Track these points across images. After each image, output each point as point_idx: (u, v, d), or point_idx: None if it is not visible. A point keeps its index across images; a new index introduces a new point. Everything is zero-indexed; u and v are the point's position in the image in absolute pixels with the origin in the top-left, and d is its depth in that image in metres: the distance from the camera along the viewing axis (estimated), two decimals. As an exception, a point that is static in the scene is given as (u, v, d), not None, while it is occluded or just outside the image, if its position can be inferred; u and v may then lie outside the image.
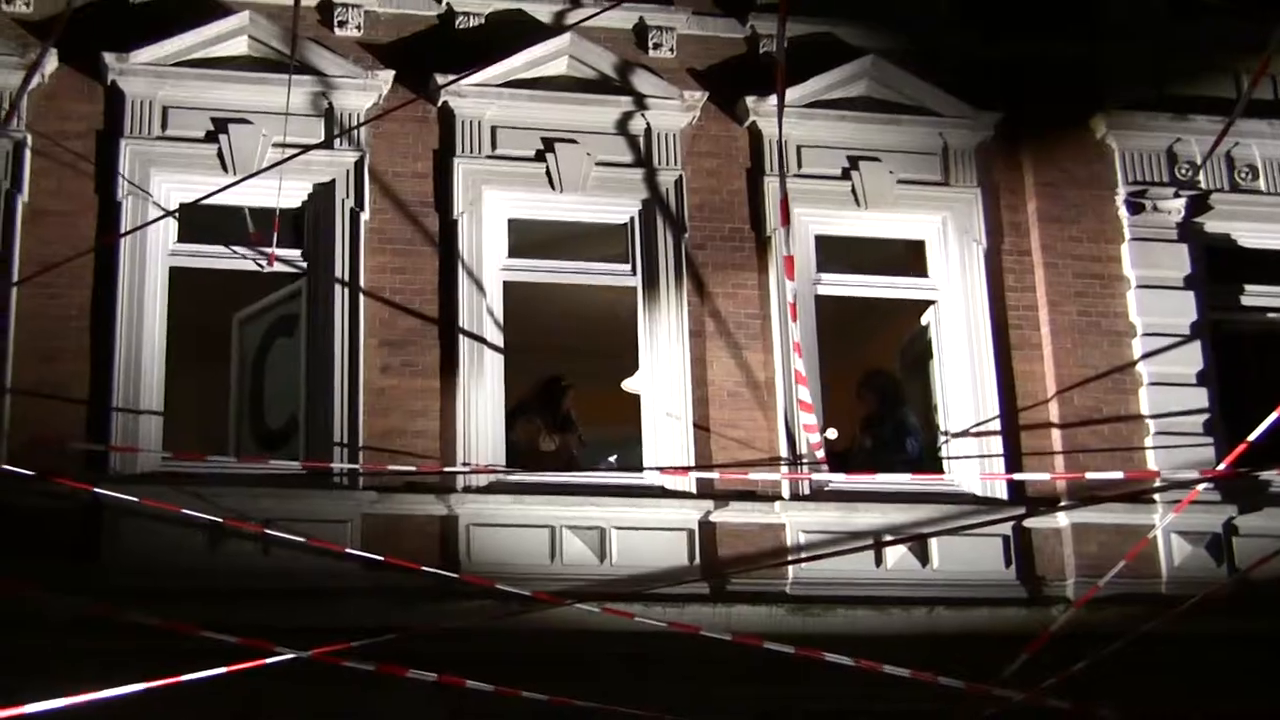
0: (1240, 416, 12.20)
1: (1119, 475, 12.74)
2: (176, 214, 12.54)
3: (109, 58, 12.74)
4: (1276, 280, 14.35)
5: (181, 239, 12.86)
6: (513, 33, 13.53)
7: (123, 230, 12.40)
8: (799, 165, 13.70)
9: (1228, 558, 13.12)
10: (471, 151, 13.31)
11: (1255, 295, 14.34)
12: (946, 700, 11.35)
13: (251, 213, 12.81)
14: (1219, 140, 13.64)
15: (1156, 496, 12.95)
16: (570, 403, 13.66)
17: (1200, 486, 12.70)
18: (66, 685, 9.49)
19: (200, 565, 11.68)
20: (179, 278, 12.77)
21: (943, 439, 13.46)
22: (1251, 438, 10.83)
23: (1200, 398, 13.51)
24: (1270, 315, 14.36)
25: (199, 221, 12.73)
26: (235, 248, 12.85)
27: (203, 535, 11.67)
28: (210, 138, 12.92)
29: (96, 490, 11.40)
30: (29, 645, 10.81)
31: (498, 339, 12.95)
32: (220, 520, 11.49)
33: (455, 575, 11.61)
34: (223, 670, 9.62)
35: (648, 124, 13.63)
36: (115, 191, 12.62)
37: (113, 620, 10.45)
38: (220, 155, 12.87)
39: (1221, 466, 12.41)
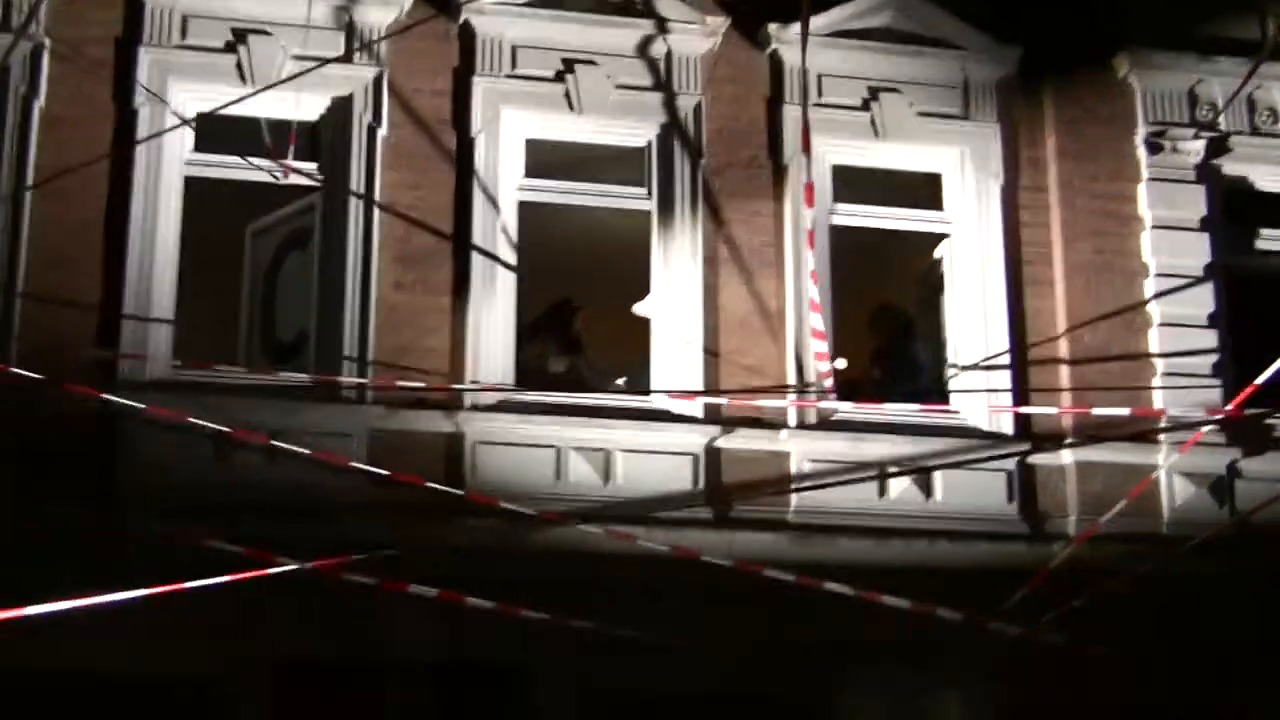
0: (1250, 359, 12.16)
1: (1125, 413, 12.74)
2: (193, 123, 12.51)
3: (129, -36, 12.72)
4: (1293, 225, 14.36)
5: (198, 148, 12.84)
6: (535, -48, 13.49)
7: (139, 138, 12.39)
8: (819, 94, 13.61)
9: (1230, 500, 13.17)
10: (491, 70, 13.29)
11: (1270, 239, 14.31)
12: (945, 632, 11.42)
13: (269, 125, 12.77)
14: (1244, 84, 13.60)
15: (1162, 437, 13.01)
16: (581, 324, 13.72)
17: (1205, 428, 12.68)
18: (70, 589, 9.55)
19: (206, 475, 11.69)
20: (194, 187, 12.75)
21: (951, 372, 13.47)
22: (1259, 380, 10.80)
23: (1210, 339, 13.53)
24: (1285, 259, 14.37)
25: (216, 132, 12.69)
26: (251, 159, 12.84)
27: (209, 445, 11.68)
28: (229, 48, 12.87)
29: (105, 396, 11.36)
30: (34, 548, 10.84)
31: (511, 259, 12.95)
32: (227, 430, 11.49)
33: (460, 493, 11.65)
34: (225, 579, 9.70)
35: (669, 48, 13.57)
36: (132, 99, 12.59)
37: (117, 527, 10.53)
38: (239, 66, 12.83)
39: (1228, 408, 12.41)
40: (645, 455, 12.60)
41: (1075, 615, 11.27)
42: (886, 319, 14.12)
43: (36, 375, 10.94)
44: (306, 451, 11.48)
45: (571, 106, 13.34)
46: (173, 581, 9.55)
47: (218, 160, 12.88)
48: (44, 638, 9.59)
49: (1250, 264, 14.19)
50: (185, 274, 12.56)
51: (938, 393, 13.50)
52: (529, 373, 12.98)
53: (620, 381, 13.81)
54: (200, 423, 11.36)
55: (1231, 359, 13.45)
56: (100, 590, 9.39)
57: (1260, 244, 14.29)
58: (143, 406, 11.34)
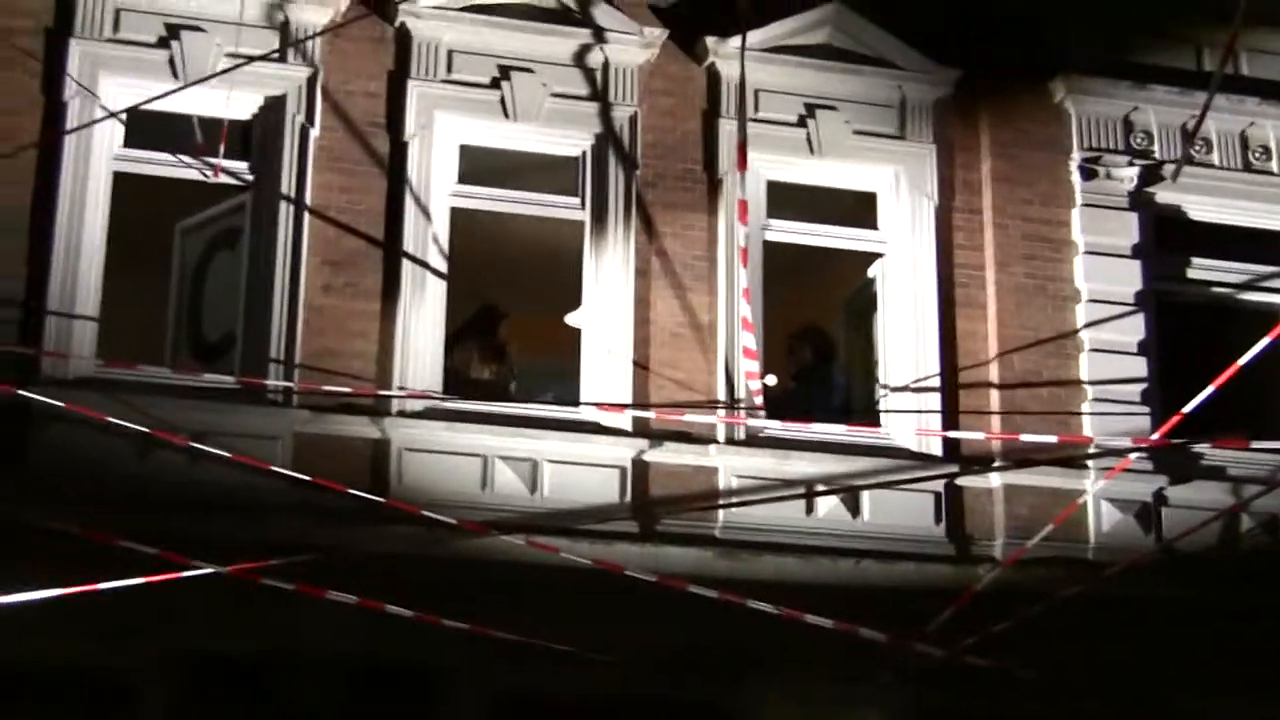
0: (1178, 388, 12.18)
1: (1053, 439, 12.74)
2: (122, 116, 12.28)
3: (62, -45, 12.53)
4: (1223, 254, 14.40)
5: (128, 144, 12.67)
6: (474, -43, 13.39)
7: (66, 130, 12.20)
8: (755, 109, 13.55)
9: (1156, 527, 13.18)
10: (426, 74, 13.18)
11: (1201, 268, 14.37)
12: (868, 653, 11.36)
13: (200, 122, 12.63)
14: (1199, 122, 13.58)
15: (1089, 462, 13.00)
16: (506, 332, 13.60)
17: (1132, 455, 12.73)
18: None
19: (127, 474, 11.49)
20: (123, 183, 12.58)
21: (881, 393, 13.44)
22: (1186, 409, 10.82)
23: (1140, 367, 13.56)
24: (1215, 289, 14.40)
25: (147, 128, 12.56)
26: (181, 156, 12.68)
27: (131, 444, 11.50)
28: (162, 43, 12.71)
29: (21, 392, 11.14)
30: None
31: (442, 265, 12.83)
32: (147, 430, 11.32)
33: (381, 499, 11.53)
34: (138, 581, 9.56)
35: (605, 58, 13.51)
36: (62, 92, 12.40)
37: (31, 525, 10.35)
38: (171, 62, 12.66)
39: (1155, 436, 12.44)
40: (573, 466, 12.51)
41: (1000, 638, 11.24)
42: (808, 340, 14.07)
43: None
44: (227, 454, 11.34)
45: (506, 113, 13.25)
46: (87, 576, 9.43)
47: (147, 156, 12.72)
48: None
49: (1181, 292, 14.24)
50: (112, 271, 12.37)
51: (855, 415, 13.45)
52: (455, 380, 12.87)
53: (550, 396, 13.70)
54: (119, 422, 11.19)
55: (1160, 386, 13.48)
56: (13, 583, 9.28)
57: (1191, 273, 14.35)
58: (62, 404, 11.15)
